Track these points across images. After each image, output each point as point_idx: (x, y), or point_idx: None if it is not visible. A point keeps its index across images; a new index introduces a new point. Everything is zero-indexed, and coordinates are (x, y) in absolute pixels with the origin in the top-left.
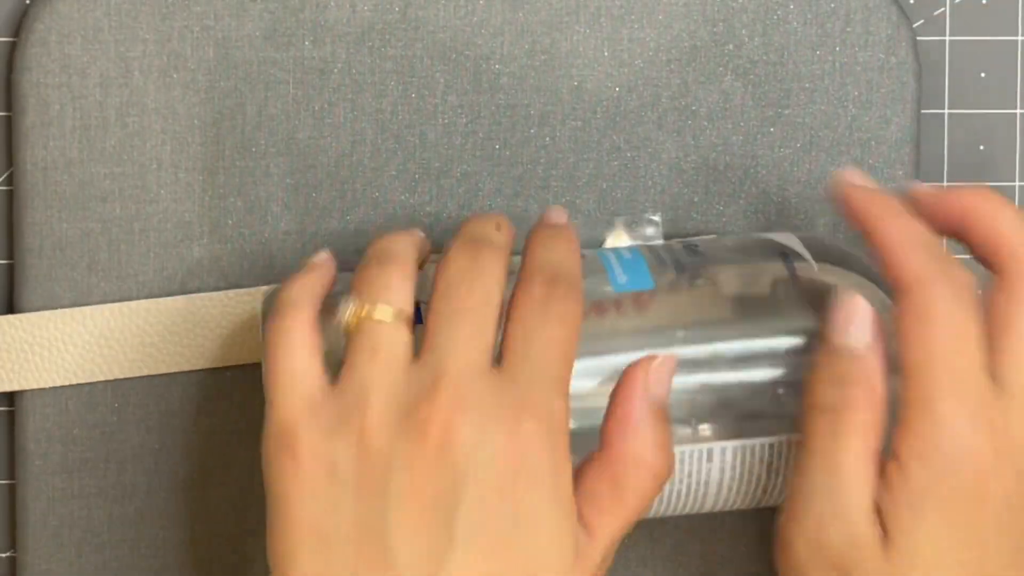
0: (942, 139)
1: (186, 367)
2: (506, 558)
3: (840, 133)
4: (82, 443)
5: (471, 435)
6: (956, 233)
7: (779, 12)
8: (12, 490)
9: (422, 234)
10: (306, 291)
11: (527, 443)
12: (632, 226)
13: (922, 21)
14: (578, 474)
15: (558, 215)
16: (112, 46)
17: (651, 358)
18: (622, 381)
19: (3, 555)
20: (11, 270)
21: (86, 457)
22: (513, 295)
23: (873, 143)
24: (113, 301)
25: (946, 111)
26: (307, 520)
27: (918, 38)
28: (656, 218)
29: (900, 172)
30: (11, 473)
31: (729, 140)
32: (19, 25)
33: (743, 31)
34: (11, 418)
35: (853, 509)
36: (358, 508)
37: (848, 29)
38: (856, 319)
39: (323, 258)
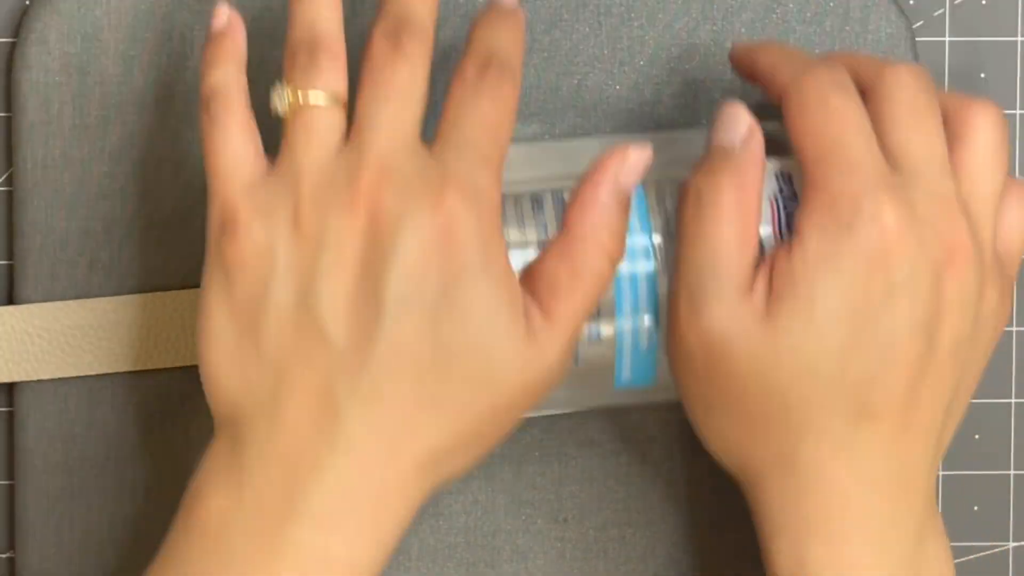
0: None
1: (186, 362)
2: (441, 328)
3: None
4: (82, 442)
5: (395, 208)
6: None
7: (778, 11)
8: (12, 490)
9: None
10: (228, 73)
11: (451, 215)
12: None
13: (922, 22)
14: (538, 258)
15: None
16: (112, 45)
17: (627, 148)
18: (596, 165)
19: (2, 556)
20: (11, 270)
21: (86, 456)
22: (452, 79)
23: None
24: None
25: None
26: (242, 300)
27: (918, 39)
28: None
29: None
30: (11, 473)
31: None
32: (19, 25)
33: (743, 30)
34: (11, 418)
35: (727, 286)
36: (290, 286)
37: (847, 28)
38: (728, 119)
39: (225, 20)
